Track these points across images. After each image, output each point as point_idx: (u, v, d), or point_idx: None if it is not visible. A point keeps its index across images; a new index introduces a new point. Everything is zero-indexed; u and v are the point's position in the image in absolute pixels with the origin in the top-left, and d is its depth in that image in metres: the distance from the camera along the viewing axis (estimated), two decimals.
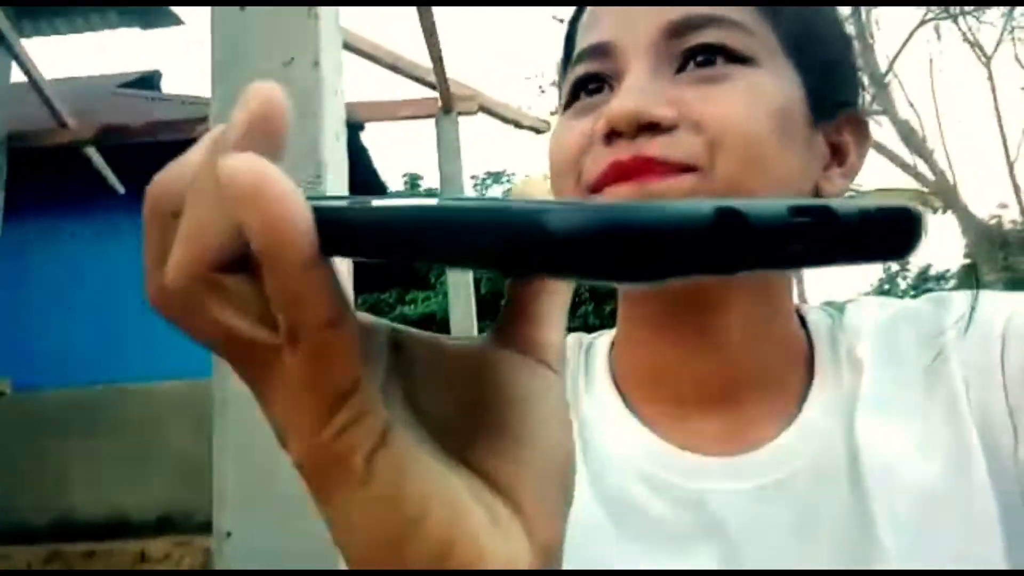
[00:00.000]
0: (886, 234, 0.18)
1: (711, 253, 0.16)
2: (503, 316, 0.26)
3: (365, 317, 0.24)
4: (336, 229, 0.19)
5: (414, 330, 0.25)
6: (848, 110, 0.52)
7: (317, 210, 0.19)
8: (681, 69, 0.47)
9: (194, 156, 0.22)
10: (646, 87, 0.45)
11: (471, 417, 0.24)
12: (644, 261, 0.15)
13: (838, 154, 0.52)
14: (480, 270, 0.19)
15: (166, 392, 5.55)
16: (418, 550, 0.21)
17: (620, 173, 0.44)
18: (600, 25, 0.50)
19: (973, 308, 0.48)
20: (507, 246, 0.16)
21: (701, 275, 0.16)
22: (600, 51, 0.49)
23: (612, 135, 0.45)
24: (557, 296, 0.26)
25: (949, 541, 0.44)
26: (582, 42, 0.51)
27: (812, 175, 0.49)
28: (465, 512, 0.22)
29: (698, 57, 0.46)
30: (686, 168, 0.44)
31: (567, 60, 0.54)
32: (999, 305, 0.48)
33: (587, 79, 0.49)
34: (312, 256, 0.19)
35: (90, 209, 5.92)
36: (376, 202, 0.20)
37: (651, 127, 0.44)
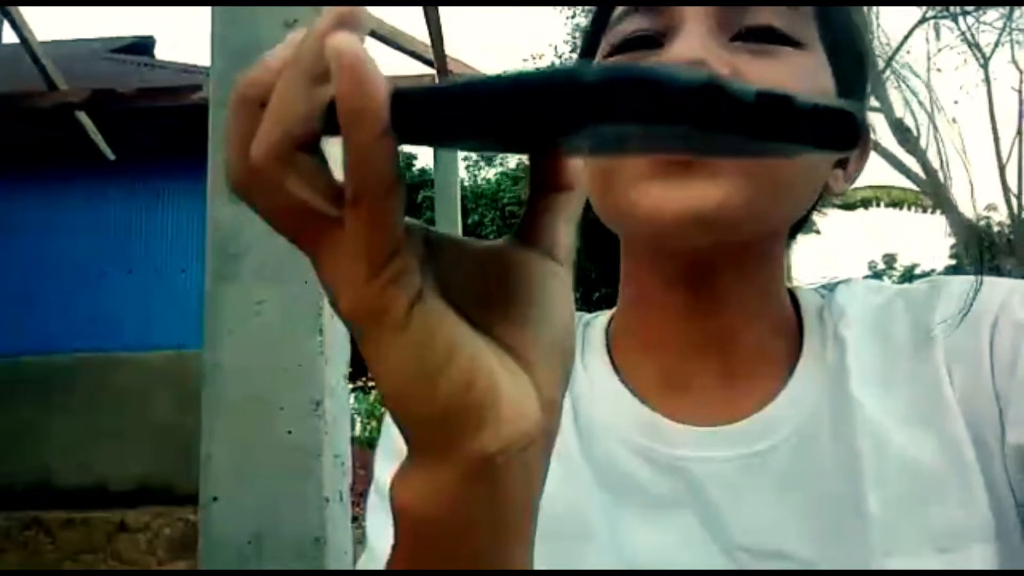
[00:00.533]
0: (831, 126, 0.22)
1: (696, 111, 0.20)
2: (523, 220, 0.30)
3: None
4: (402, 108, 0.23)
5: (443, 232, 0.30)
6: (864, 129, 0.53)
7: (392, 91, 0.23)
8: (735, 39, 0.47)
9: (281, 53, 0.25)
10: (705, 44, 0.46)
11: (491, 298, 0.28)
12: (650, 107, 0.19)
13: (841, 161, 0.53)
14: (516, 140, 0.23)
15: (150, 362, 5.52)
16: (444, 385, 0.26)
17: None
18: None
19: (972, 299, 0.49)
20: (550, 100, 0.20)
21: (684, 125, 0.20)
22: (651, 9, 0.48)
23: None
24: (567, 202, 0.30)
25: (937, 516, 0.44)
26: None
27: (825, 174, 0.51)
28: (485, 360, 0.26)
29: (754, 32, 0.47)
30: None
31: (598, 23, 0.53)
32: (992, 292, 0.49)
33: (637, 36, 0.49)
34: (384, 127, 0.23)
35: (80, 175, 5.86)
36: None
37: None
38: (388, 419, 0.53)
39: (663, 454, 0.49)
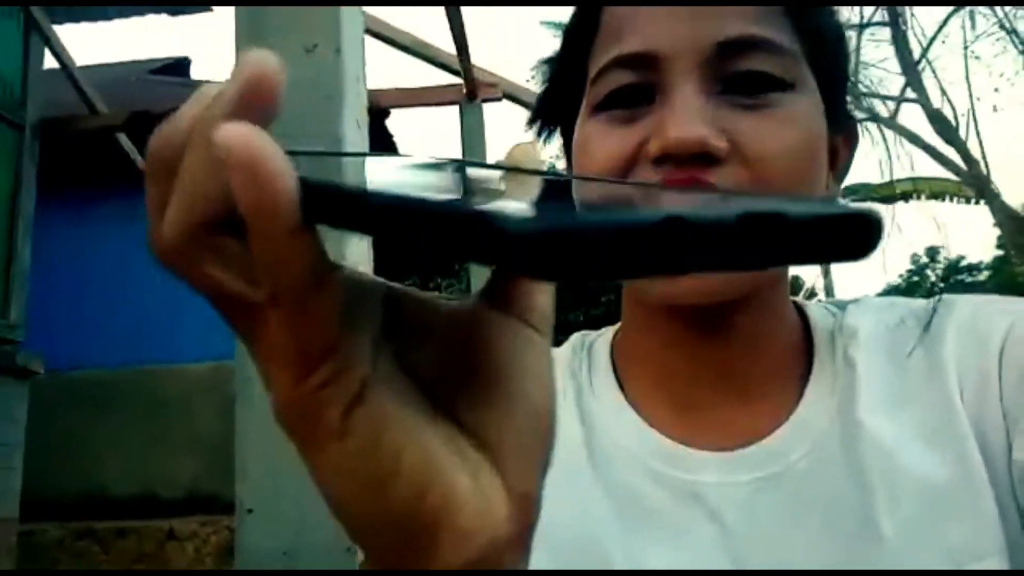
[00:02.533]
0: (842, 236, 0.18)
1: (657, 257, 0.16)
2: (492, 279, 0.27)
3: (361, 275, 0.25)
4: (318, 198, 0.21)
5: (408, 288, 0.27)
6: (846, 116, 0.53)
7: (304, 179, 0.21)
8: (725, 90, 0.46)
9: (190, 112, 0.23)
10: (700, 111, 0.45)
11: (458, 372, 0.25)
12: (589, 266, 0.16)
13: (832, 159, 0.52)
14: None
15: (194, 373, 5.63)
16: (392, 496, 0.23)
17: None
18: (640, 33, 0.47)
19: (934, 310, 0.50)
20: (461, 242, 0.18)
21: (648, 276, 0.17)
22: (640, 62, 0.47)
23: (665, 158, 0.45)
24: None
25: (952, 534, 0.44)
26: (611, 49, 0.48)
27: (822, 187, 0.50)
28: (440, 463, 0.23)
29: (743, 81, 0.46)
30: None
31: (574, 59, 0.53)
32: (1002, 311, 0.49)
33: (627, 89, 0.48)
34: (293, 225, 0.20)
35: (120, 193, 5.99)
36: (353, 178, 0.21)
37: (705, 156, 0.44)
38: None
39: (680, 480, 0.48)
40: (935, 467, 0.46)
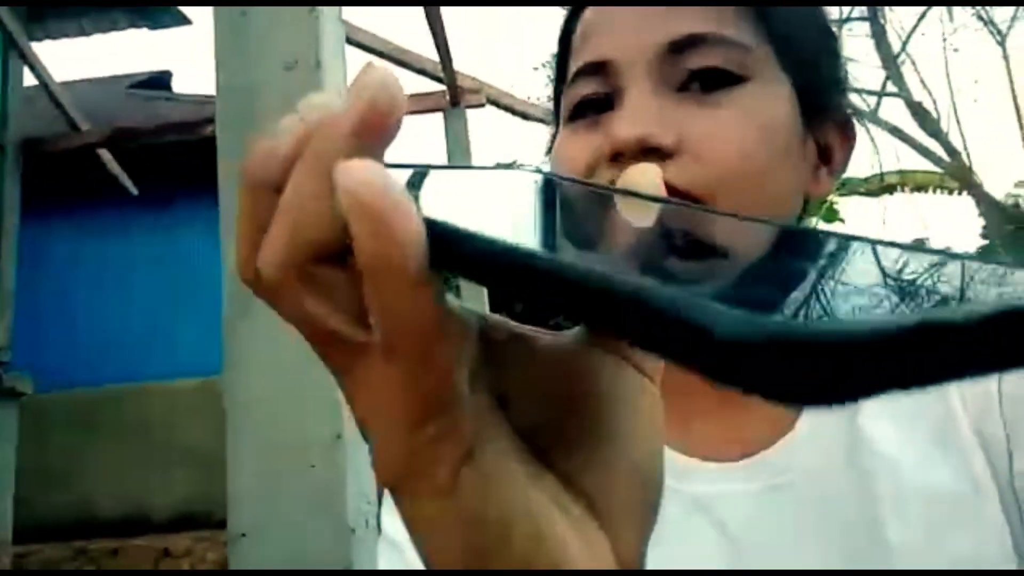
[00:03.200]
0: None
1: (903, 370, 0.14)
2: None
3: (457, 307, 0.23)
4: (450, 247, 0.18)
5: (506, 321, 0.24)
6: (837, 111, 0.52)
7: (432, 225, 0.18)
8: (681, 87, 0.47)
9: (297, 131, 0.20)
10: (649, 109, 0.46)
11: (559, 415, 0.23)
12: (822, 385, 0.13)
13: (825, 154, 0.52)
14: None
15: (184, 390, 5.59)
16: (500, 561, 0.21)
17: None
18: (597, 42, 0.49)
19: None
20: (667, 340, 0.15)
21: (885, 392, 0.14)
22: (599, 70, 0.49)
23: (618, 156, 0.46)
24: None
25: (958, 544, 0.44)
26: (579, 58, 0.50)
27: (804, 183, 0.50)
28: (550, 527, 0.21)
29: (696, 79, 0.46)
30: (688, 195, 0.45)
31: (562, 63, 0.54)
32: None
33: (585, 100, 0.49)
34: (419, 278, 0.18)
35: (105, 211, 5.97)
36: (497, 234, 0.18)
37: (655, 151, 0.45)
38: None
39: (686, 491, 0.48)
40: (941, 476, 0.45)
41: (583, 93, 0.49)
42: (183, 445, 5.46)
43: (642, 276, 0.16)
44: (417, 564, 0.47)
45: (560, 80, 0.55)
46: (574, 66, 0.50)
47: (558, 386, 0.23)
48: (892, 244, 0.18)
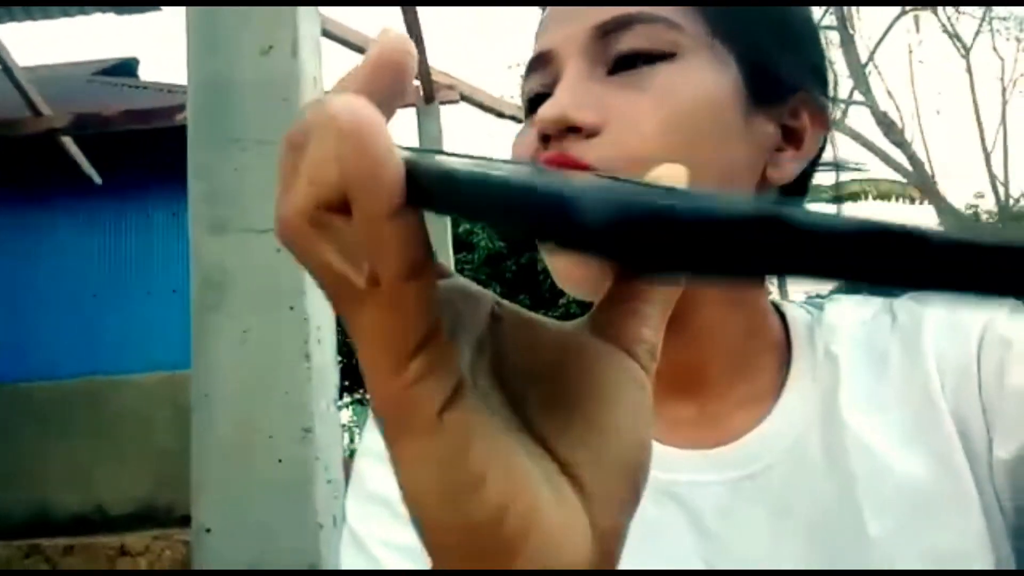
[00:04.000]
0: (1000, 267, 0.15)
1: (752, 256, 0.15)
2: (601, 306, 0.26)
3: (471, 285, 0.26)
4: (422, 182, 0.20)
5: (515, 306, 0.26)
6: (800, 93, 0.51)
7: (409, 161, 0.20)
8: (611, 71, 0.48)
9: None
10: (574, 90, 0.46)
11: (554, 397, 0.24)
12: (676, 258, 0.15)
13: (792, 138, 0.51)
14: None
15: (145, 384, 5.50)
16: (475, 510, 0.22)
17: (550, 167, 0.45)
18: (542, 35, 0.51)
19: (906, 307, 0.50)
20: (539, 225, 0.17)
21: (739, 275, 0.16)
22: (543, 60, 0.50)
23: (544, 139, 0.46)
24: (662, 296, 0.26)
25: (937, 533, 0.44)
26: (533, 51, 0.52)
27: (756, 162, 0.49)
28: (525, 482, 0.22)
29: (624, 60, 0.47)
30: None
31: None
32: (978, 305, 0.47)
33: (535, 96, 0.51)
34: (394, 207, 0.20)
35: (67, 200, 5.84)
36: (460, 162, 0.21)
37: (577, 130, 0.46)
38: (359, 460, 0.52)
39: (658, 480, 0.47)
40: (919, 466, 0.46)
41: (532, 88, 0.51)
42: (145, 440, 5.37)
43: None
44: (379, 561, 0.47)
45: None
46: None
47: (553, 370, 0.25)
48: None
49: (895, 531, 0.44)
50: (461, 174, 0.19)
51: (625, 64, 0.47)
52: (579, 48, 0.48)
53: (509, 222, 0.19)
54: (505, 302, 0.26)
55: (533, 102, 0.50)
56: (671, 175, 0.26)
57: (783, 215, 0.15)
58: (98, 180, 5.43)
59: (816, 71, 0.53)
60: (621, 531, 0.25)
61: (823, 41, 0.55)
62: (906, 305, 0.51)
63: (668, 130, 0.45)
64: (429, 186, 0.20)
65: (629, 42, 0.47)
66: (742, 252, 0.15)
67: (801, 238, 0.15)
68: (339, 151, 0.20)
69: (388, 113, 0.22)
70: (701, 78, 0.47)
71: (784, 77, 0.50)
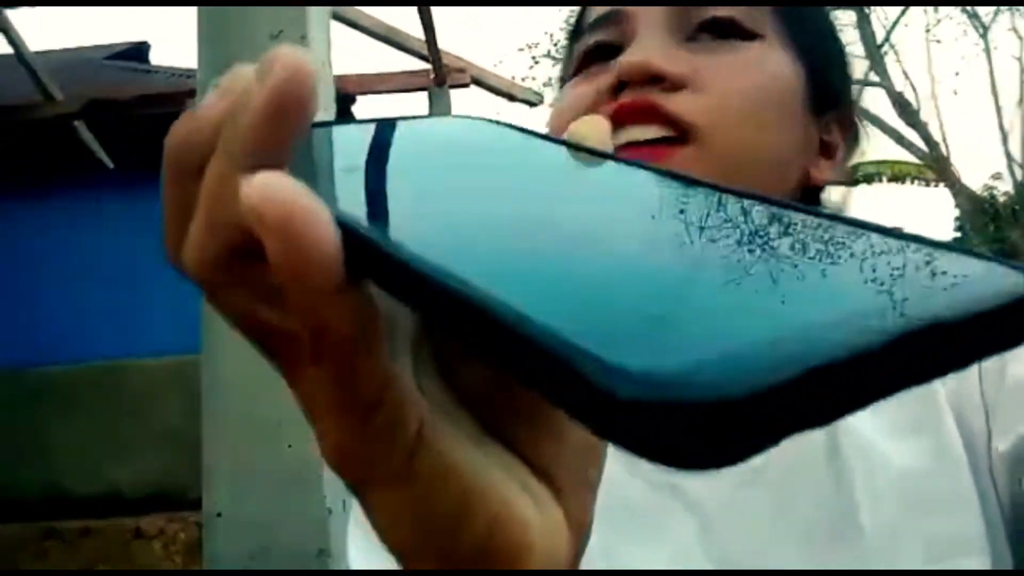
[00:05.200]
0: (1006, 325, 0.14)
1: (803, 415, 0.12)
2: None
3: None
4: (367, 254, 0.17)
5: None
6: (839, 109, 0.54)
7: (348, 230, 0.17)
8: (691, 38, 0.48)
9: (215, 108, 0.20)
10: (659, 44, 0.47)
11: (506, 391, 0.23)
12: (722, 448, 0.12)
13: (827, 150, 0.53)
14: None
15: (157, 368, 5.53)
16: (462, 542, 0.21)
17: (621, 116, 0.45)
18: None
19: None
20: (565, 394, 0.13)
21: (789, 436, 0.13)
22: (610, 20, 0.50)
23: (616, 89, 0.46)
24: None
25: (932, 525, 0.44)
26: (593, 13, 0.52)
27: (803, 159, 0.51)
28: (508, 498, 0.21)
29: (707, 29, 0.48)
30: (682, 134, 0.45)
31: (574, 36, 0.55)
32: None
33: (597, 48, 0.50)
34: (334, 288, 0.17)
35: (79, 184, 5.86)
36: (412, 242, 0.17)
37: (659, 81, 0.46)
38: None
39: (661, 473, 0.47)
40: (914, 459, 0.46)
41: (595, 39, 0.51)
42: (157, 424, 5.41)
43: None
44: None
45: (574, 39, 0.55)
46: (588, 20, 0.52)
47: None
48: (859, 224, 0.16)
49: (888, 524, 0.44)
50: (420, 266, 0.16)
51: (708, 33, 0.48)
52: (660, 12, 0.48)
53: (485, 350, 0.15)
54: None
55: (591, 55, 0.50)
56: (596, 129, 0.23)
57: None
58: (110, 164, 5.44)
59: (847, 90, 0.56)
60: (590, 519, 0.24)
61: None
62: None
63: (750, 99, 0.46)
64: (383, 269, 0.17)
65: (715, 12, 0.48)
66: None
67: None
68: (264, 235, 0.17)
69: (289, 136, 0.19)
70: (783, 64, 0.49)
71: (831, 90, 0.53)
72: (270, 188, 0.17)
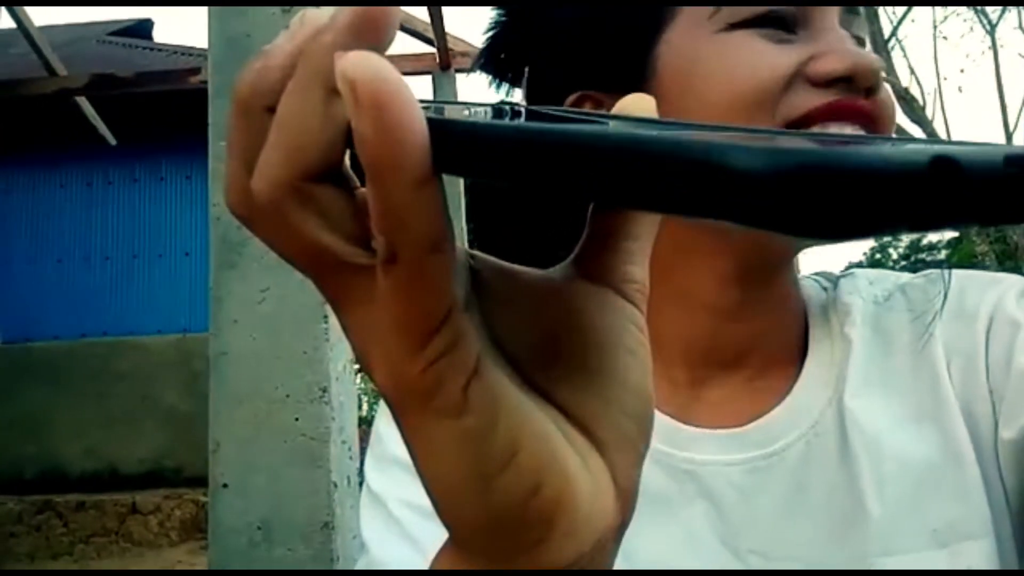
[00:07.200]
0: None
1: (923, 208, 0.13)
2: (584, 246, 0.24)
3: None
4: (452, 145, 0.17)
5: (489, 257, 0.24)
6: None
7: (433, 122, 0.18)
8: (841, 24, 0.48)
9: (288, 46, 0.20)
10: (852, 41, 0.46)
11: (550, 349, 0.22)
12: (848, 216, 0.12)
13: None
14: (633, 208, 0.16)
15: (156, 346, 5.54)
16: (506, 487, 0.20)
17: (838, 113, 0.44)
18: None
19: (946, 292, 0.50)
20: (681, 189, 0.14)
21: (907, 231, 0.13)
22: None
23: (834, 81, 0.44)
24: (641, 224, 0.23)
25: (937, 512, 0.44)
26: None
27: None
28: (556, 449, 0.21)
29: (850, 24, 0.48)
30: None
31: None
32: (988, 287, 0.49)
33: (773, 15, 0.46)
34: (424, 175, 0.17)
35: (81, 160, 5.85)
36: (491, 116, 0.18)
37: (871, 89, 0.45)
38: (378, 421, 0.52)
39: (676, 458, 0.48)
40: (920, 447, 0.46)
41: (766, 11, 0.46)
42: (155, 402, 5.42)
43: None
44: (400, 521, 0.46)
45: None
46: None
47: (546, 320, 0.23)
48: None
49: (894, 510, 0.45)
50: (528, 133, 0.16)
51: (848, 25, 0.48)
52: (835, 13, 0.47)
53: (600, 190, 0.15)
54: (478, 254, 0.23)
55: (761, 19, 0.46)
56: (642, 106, 0.23)
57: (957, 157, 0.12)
58: (113, 141, 5.43)
59: None
60: (636, 489, 0.23)
61: None
62: (918, 285, 0.52)
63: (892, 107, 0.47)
64: (473, 150, 0.17)
65: (858, 30, 0.48)
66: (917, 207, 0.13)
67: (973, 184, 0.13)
68: (357, 116, 0.17)
69: None
70: None
71: None
72: (364, 61, 0.17)
